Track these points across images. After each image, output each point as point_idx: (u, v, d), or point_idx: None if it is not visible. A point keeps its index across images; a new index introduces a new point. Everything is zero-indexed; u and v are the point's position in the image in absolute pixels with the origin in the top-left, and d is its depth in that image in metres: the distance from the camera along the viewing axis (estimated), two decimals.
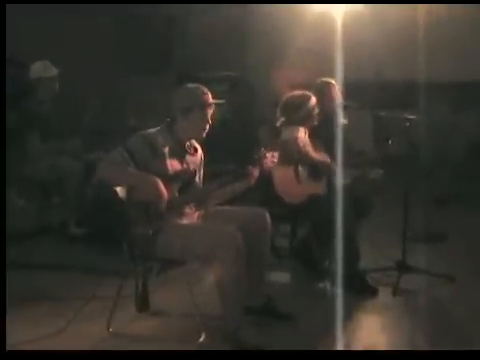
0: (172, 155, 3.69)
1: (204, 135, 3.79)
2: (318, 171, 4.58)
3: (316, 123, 4.64)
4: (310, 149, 4.55)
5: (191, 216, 3.78)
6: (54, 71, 5.75)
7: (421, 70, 6.77)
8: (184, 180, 3.73)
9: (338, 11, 6.29)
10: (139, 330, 3.81)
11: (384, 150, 4.77)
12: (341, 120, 4.81)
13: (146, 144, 3.62)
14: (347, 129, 4.91)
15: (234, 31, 7.80)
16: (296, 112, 4.57)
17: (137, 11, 7.68)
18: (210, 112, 3.76)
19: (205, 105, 3.73)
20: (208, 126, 3.77)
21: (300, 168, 4.57)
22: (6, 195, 5.48)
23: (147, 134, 3.69)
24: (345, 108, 4.84)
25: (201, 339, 3.58)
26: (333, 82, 4.90)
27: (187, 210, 3.76)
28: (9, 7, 4.19)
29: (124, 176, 3.57)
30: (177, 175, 3.68)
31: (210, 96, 3.76)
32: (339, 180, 4.50)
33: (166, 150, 3.66)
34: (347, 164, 4.58)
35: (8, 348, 3.25)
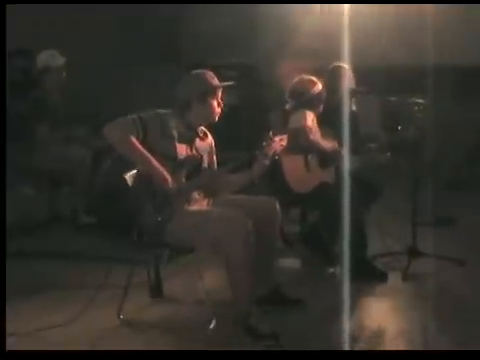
0: (181, 140, 3.69)
1: (217, 118, 3.82)
2: (327, 159, 4.58)
3: (322, 109, 4.64)
4: (319, 136, 4.55)
5: (200, 203, 3.79)
6: (61, 60, 5.75)
7: (429, 54, 6.73)
8: (191, 166, 3.74)
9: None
10: (149, 317, 3.84)
11: (393, 135, 4.76)
12: (351, 105, 4.80)
13: (159, 120, 3.63)
14: (356, 115, 4.92)
15: (244, 19, 7.78)
16: (303, 96, 4.59)
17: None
18: (220, 95, 3.80)
19: (216, 89, 3.78)
20: (220, 109, 3.81)
21: (309, 156, 4.57)
22: (16, 186, 5.52)
23: (161, 112, 3.70)
24: (353, 93, 4.83)
25: (211, 326, 3.60)
26: (345, 66, 4.90)
27: (196, 196, 3.77)
28: None
29: (127, 146, 3.52)
30: (184, 160, 3.69)
31: (217, 79, 3.81)
32: (347, 167, 4.50)
33: (175, 134, 3.66)
34: (356, 150, 4.58)
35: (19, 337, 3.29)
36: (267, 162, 3.80)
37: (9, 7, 4.13)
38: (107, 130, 3.54)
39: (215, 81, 3.80)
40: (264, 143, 3.77)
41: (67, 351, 3.35)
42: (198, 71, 3.85)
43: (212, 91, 3.77)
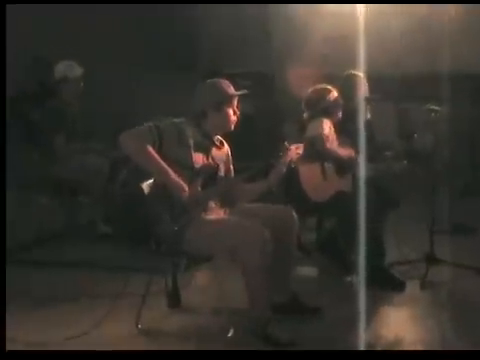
0: (197, 149, 3.70)
1: (233, 127, 3.84)
2: (344, 167, 4.58)
3: (340, 116, 4.66)
4: (336, 145, 4.56)
5: (217, 212, 3.79)
6: (79, 71, 5.77)
7: (445, 61, 6.71)
8: (207, 175, 3.74)
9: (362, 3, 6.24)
10: (167, 326, 3.83)
11: (409, 143, 4.75)
12: (366, 113, 4.81)
13: (175, 129, 3.64)
14: (371, 123, 4.91)
15: (257, 26, 7.79)
16: (318, 104, 4.62)
17: (158, 10, 7.70)
18: (236, 104, 3.82)
19: (232, 97, 3.80)
20: (236, 118, 3.82)
21: (326, 164, 4.56)
22: (33, 196, 5.55)
23: (177, 121, 3.71)
24: (368, 101, 4.83)
25: (229, 335, 3.60)
26: (360, 74, 4.90)
27: (212, 205, 3.77)
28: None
29: (143, 156, 3.53)
30: (201, 169, 3.70)
31: (233, 88, 3.83)
32: (364, 175, 4.49)
33: (191, 143, 3.67)
34: (373, 158, 4.58)
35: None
36: (283, 171, 3.81)
37: (25, 14, 4.16)
38: (123, 140, 3.55)
39: (231, 90, 3.81)
40: (280, 152, 3.78)
41: (67, 351, 3.38)
42: (214, 80, 3.86)
43: (228, 100, 3.78)
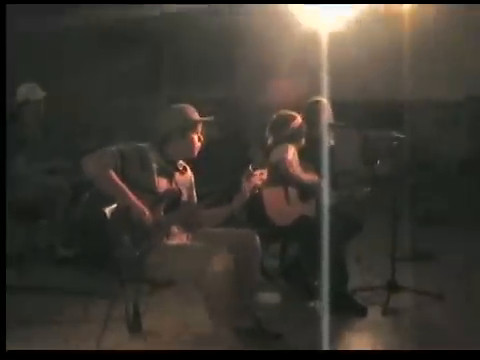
0: (160, 173, 3.69)
1: (196, 154, 3.83)
2: (308, 192, 4.60)
3: (304, 142, 4.69)
4: (300, 170, 4.58)
5: (179, 237, 3.77)
6: (41, 94, 5.71)
7: (408, 89, 6.81)
8: (170, 200, 3.72)
9: (325, 29, 6.30)
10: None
11: (372, 170, 4.79)
12: (329, 139, 4.84)
13: (138, 154, 3.63)
14: (335, 149, 4.94)
15: (222, 51, 7.84)
16: (283, 130, 4.65)
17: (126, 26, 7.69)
18: (200, 130, 3.81)
19: (196, 124, 3.79)
20: (201, 144, 3.81)
21: (290, 189, 4.58)
22: None
23: (140, 145, 3.70)
24: (332, 128, 4.86)
25: None
26: (324, 101, 4.93)
27: (175, 231, 3.75)
28: None
29: (105, 180, 3.50)
30: (164, 194, 3.68)
31: (198, 114, 3.82)
32: (327, 200, 4.51)
33: (155, 167, 3.66)
34: (335, 184, 4.60)
35: None
36: (247, 196, 3.81)
37: None
38: (85, 163, 3.51)
39: (195, 115, 3.81)
40: (244, 177, 3.78)
41: (67, 351, 3.36)
42: (178, 105, 3.86)
43: (192, 125, 3.78)
